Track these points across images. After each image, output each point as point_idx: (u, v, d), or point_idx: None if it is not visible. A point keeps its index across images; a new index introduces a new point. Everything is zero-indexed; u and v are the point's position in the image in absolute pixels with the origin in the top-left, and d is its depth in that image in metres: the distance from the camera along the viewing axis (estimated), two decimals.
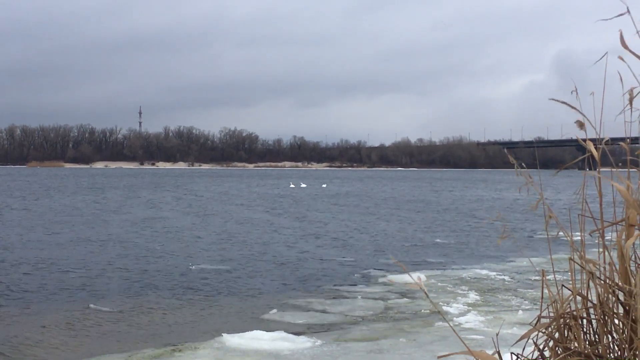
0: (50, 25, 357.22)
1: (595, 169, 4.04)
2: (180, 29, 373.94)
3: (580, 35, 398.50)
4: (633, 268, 3.01)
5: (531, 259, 17.88)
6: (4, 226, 25.85)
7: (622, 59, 2.86)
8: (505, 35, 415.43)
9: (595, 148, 3.14)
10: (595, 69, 3.10)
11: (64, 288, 13.63)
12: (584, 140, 3.07)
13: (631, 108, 3.15)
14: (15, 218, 29.40)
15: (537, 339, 3.26)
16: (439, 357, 2.77)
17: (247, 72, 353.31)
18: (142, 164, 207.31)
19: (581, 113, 3.09)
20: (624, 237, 2.92)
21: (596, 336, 3.18)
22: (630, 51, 2.81)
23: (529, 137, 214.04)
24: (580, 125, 3.23)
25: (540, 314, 3.31)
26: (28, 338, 9.96)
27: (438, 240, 22.85)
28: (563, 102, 3.04)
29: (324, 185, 73.31)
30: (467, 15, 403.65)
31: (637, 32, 2.88)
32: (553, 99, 3.10)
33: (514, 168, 3.36)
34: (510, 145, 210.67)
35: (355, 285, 14.30)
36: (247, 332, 9.86)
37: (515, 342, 3.26)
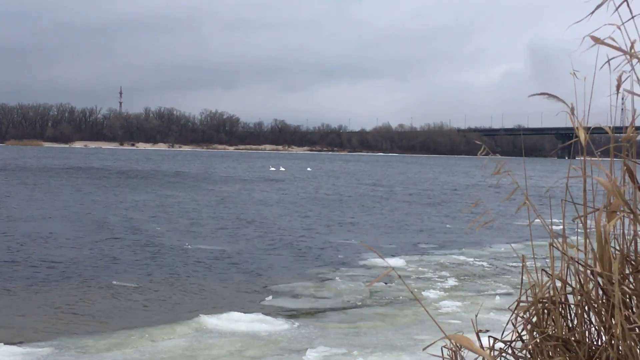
0: (38, 4, 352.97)
1: (575, 157, 4.03)
2: (169, 11, 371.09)
3: (553, 25, 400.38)
4: (613, 253, 3.01)
5: (511, 244, 18.02)
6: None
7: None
8: (484, 24, 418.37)
9: (576, 136, 3.12)
10: (567, 59, 3.09)
11: (40, 267, 13.51)
12: (572, 127, 3.05)
13: (617, 94, 3.14)
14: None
15: (515, 323, 3.26)
16: (423, 349, 2.77)
17: (231, 55, 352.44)
18: (121, 144, 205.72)
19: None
20: (603, 220, 2.91)
21: (574, 321, 3.18)
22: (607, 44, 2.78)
23: (509, 124, 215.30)
24: (572, 110, 3.20)
25: (520, 298, 3.31)
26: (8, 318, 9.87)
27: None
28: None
29: (309, 169, 73.26)
30: (448, 5, 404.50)
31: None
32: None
33: (495, 155, 3.35)
34: (491, 133, 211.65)
35: (338, 269, 14.28)
36: (224, 314, 9.83)
37: (503, 329, 3.26)
